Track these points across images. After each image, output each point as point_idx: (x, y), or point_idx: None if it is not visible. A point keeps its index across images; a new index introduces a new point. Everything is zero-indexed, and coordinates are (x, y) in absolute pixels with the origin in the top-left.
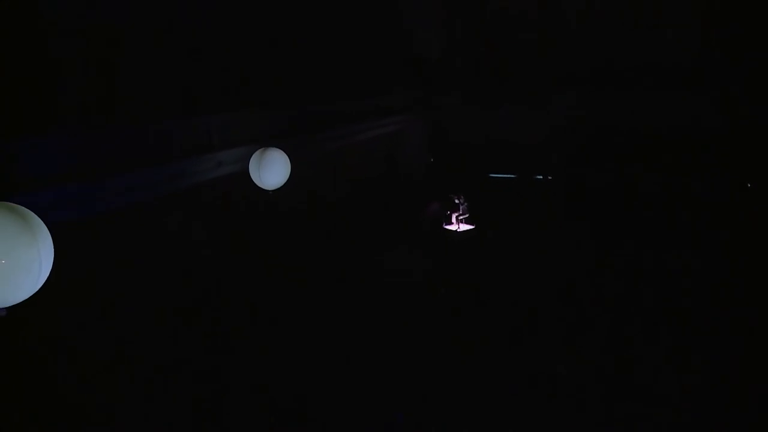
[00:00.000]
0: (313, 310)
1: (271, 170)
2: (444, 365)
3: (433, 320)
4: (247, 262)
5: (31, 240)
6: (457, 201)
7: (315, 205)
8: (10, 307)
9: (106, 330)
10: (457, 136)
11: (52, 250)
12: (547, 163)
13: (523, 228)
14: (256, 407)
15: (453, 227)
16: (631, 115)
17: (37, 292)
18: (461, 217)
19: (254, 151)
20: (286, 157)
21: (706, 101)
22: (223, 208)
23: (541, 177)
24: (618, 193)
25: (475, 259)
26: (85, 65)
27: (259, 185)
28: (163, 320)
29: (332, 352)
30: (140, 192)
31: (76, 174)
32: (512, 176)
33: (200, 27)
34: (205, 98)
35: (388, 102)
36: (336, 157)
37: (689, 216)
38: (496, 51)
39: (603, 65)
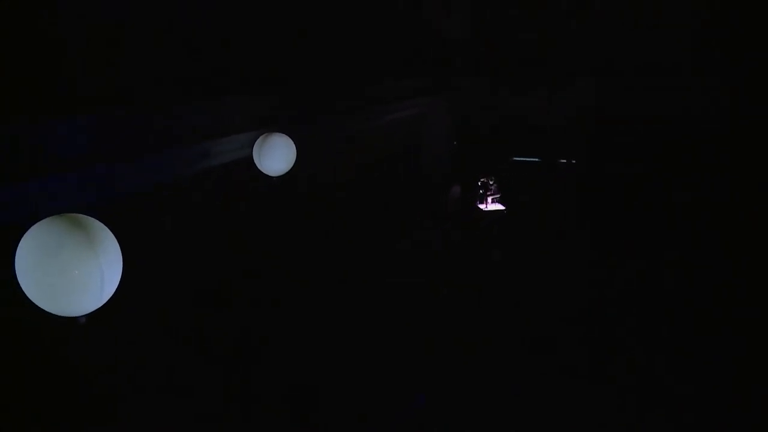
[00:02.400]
0: (315, 310)
1: (273, 156)
2: (446, 366)
3: (435, 321)
4: (247, 261)
5: (90, 252)
6: (490, 183)
7: (316, 201)
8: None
9: (106, 330)
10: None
11: (120, 261)
12: (547, 162)
13: (522, 227)
14: (257, 407)
15: (482, 206)
16: (630, 114)
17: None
18: (492, 198)
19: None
20: (291, 141)
21: (707, 101)
22: (223, 208)
23: (565, 161)
24: (618, 193)
25: (476, 259)
26: (84, 65)
27: (262, 170)
28: (163, 320)
29: (333, 353)
30: (139, 190)
31: (74, 170)
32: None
33: (200, 26)
34: (204, 96)
35: (394, 93)
36: (344, 147)
37: (689, 216)
38: (496, 51)
39: (603, 65)
